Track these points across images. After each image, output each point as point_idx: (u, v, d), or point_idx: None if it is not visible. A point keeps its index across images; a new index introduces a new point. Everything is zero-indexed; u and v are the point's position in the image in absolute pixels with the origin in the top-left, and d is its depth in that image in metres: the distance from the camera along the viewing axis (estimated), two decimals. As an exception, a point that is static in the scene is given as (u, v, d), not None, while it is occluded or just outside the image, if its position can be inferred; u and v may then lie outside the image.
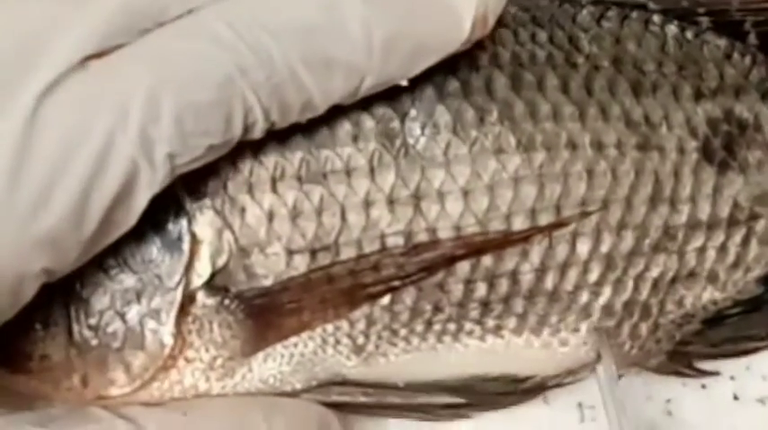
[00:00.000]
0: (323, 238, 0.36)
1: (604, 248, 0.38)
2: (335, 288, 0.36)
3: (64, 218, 0.31)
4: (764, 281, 0.41)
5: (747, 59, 0.41)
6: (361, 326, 0.37)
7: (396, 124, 0.36)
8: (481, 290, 0.37)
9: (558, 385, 0.40)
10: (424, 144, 0.36)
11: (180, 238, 0.35)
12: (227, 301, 0.36)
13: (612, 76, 0.39)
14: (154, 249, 0.35)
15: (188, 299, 0.35)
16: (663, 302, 0.40)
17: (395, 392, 0.39)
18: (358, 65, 0.33)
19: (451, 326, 0.38)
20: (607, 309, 0.39)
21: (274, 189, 0.36)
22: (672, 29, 0.41)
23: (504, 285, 0.37)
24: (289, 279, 0.36)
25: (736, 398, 0.42)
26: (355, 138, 0.36)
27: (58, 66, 0.31)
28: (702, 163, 0.39)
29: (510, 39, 0.38)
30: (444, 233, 0.36)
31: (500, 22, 0.36)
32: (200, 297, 0.36)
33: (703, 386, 0.42)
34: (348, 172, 0.36)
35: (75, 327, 0.35)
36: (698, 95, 0.39)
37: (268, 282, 0.36)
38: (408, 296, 0.37)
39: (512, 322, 0.38)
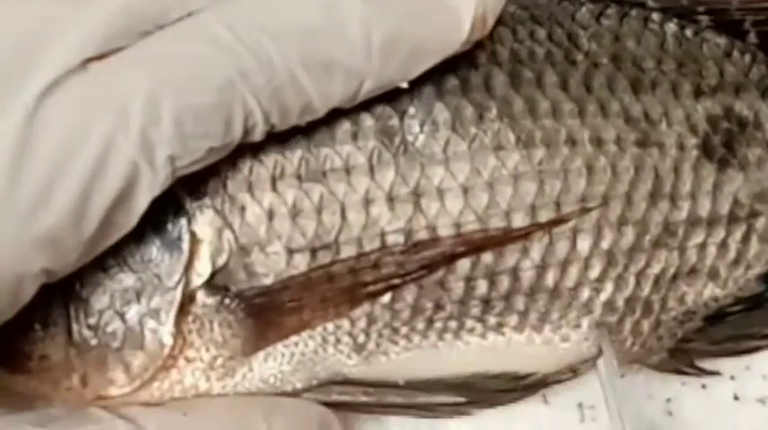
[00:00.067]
0: (323, 237, 0.36)
1: (605, 244, 0.38)
2: (336, 286, 0.36)
3: (64, 218, 0.31)
4: (765, 278, 0.41)
5: (747, 57, 0.41)
6: (361, 324, 0.37)
7: (395, 122, 0.36)
8: (482, 287, 0.37)
9: (559, 381, 0.40)
10: (424, 141, 0.36)
11: (180, 238, 0.35)
12: (227, 301, 0.36)
13: (612, 73, 0.39)
14: (153, 249, 0.35)
15: (188, 298, 0.35)
16: (664, 299, 0.39)
17: (395, 391, 0.38)
18: (357, 67, 0.33)
19: (452, 324, 0.38)
20: (609, 305, 0.39)
21: (274, 188, 0.36)
22: (671, 27, 0.41)
23: (504, 282, 0.37)
24: (289, 278, 0.36)
25: (736, 398, 0.42)
26: (354, 137, 0.36)
27: (57, 66, 0.31)
28: (702, 160, 0.39)
29: (509, 36, 0.38)
30: (444, 230, 0.36)
31: (499, 21, 0.36)
32: (201, 296, 0.36)
33: (704, 386, 0.42)
34: (348, 170, 0.36)
35: (75, 327, 0.35)
36: (698, 93, 0.39)
37: (268, 281, 0.36)
38: (409, 294, 0.37)
39: (513, 319, 0.38)
